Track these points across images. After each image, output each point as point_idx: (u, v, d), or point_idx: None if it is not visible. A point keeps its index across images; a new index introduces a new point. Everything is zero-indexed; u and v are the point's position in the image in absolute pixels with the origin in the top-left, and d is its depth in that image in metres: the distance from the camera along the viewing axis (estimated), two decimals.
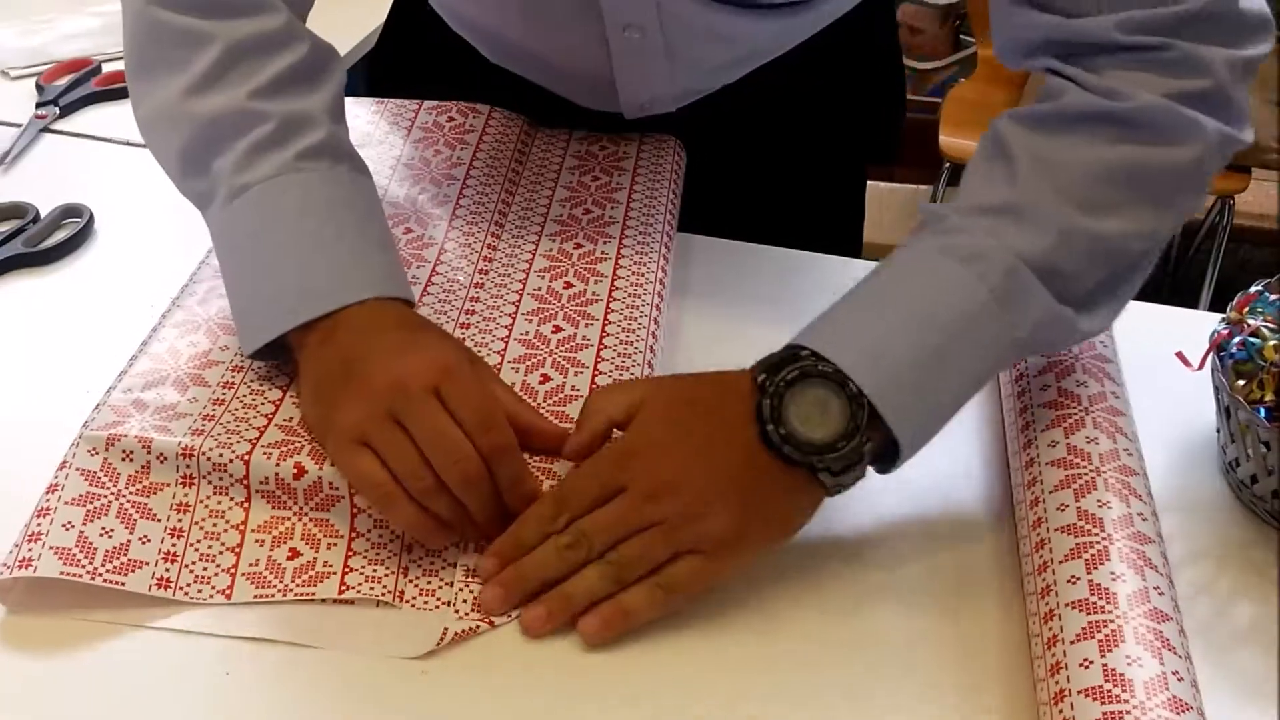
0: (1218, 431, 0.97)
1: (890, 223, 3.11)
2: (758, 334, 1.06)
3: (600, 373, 0.93)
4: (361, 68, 1.60)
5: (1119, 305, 0.91)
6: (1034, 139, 0.88)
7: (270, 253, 0.90)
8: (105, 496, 0.83)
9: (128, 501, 0.83)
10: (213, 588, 0.81)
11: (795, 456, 0.80)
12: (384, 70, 1.41)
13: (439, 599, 0.82)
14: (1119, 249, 0.88)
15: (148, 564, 0.81)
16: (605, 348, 0.95)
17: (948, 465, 0.94)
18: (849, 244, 1.42)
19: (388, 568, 0.83)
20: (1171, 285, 3.05)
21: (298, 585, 0.82)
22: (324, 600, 0.81)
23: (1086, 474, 0.83)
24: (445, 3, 1.26)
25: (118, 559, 0.80)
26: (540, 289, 1.02)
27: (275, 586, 0.81)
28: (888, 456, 0.84)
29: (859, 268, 1.19)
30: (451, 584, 0.82)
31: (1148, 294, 1.10)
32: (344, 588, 0.81)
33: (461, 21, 1.26)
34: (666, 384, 0.88)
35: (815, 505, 0.84)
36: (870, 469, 0.84)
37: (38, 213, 1.17)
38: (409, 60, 1.36)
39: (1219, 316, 0.96)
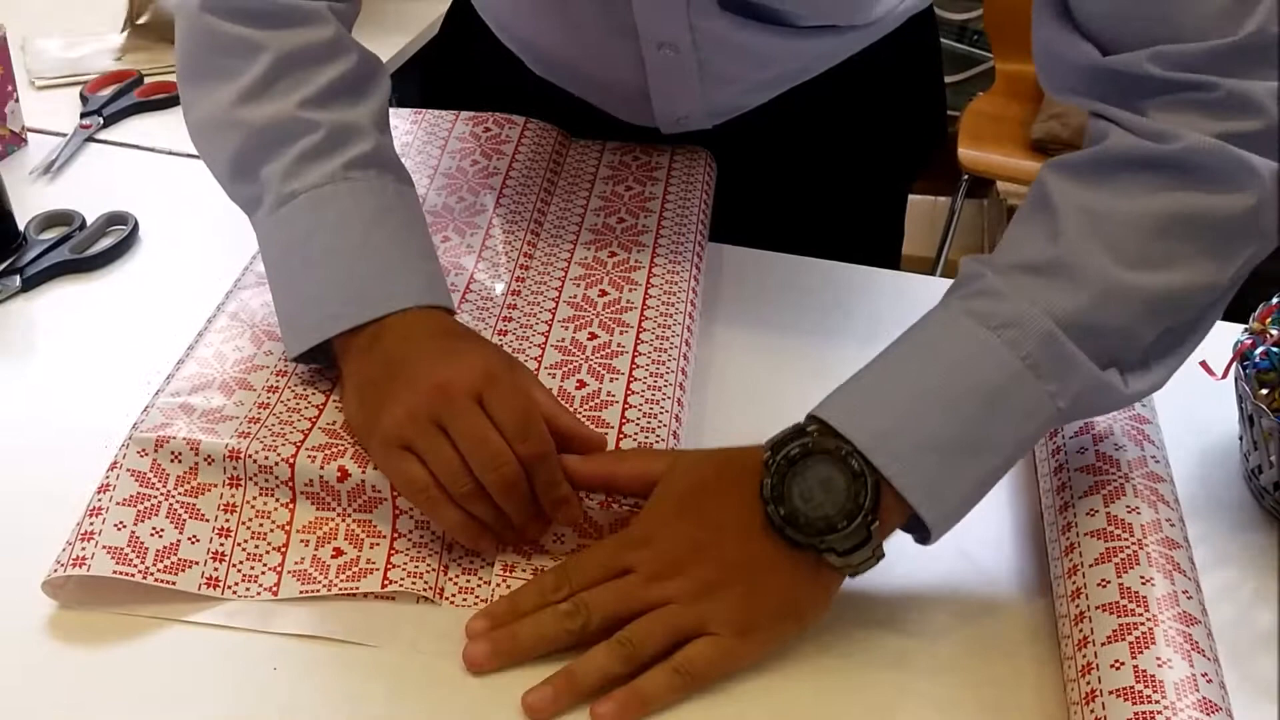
0: (1240, 439, 0.97)
1: (909, 234, 3.12)
2: (788, 341, 1.07)
3: (635, 379, 0.93)
4: (416, 75, 1.60)
5: (1178, 361, 0.84)
6: (1078, 189, 0.82)
7: (317, 259, 0.91)
8: (155, 497, 0.84)
9: (177, 502, 0.84)
10: (260, 585, 0.82)
11: (797, 538, 0.77)
12: (437, 77, 1.42)
13: (477, 597, 0.83)
14: (1178, 304, 0.80)
15: (197, 563, 0.81)
16: (640, 354, 0.95)
17: None
18: (885, 262, 1.36)
19: (429, 565, 0.84)
20: None
21: (342, 580, 0.82)
22: (367, 595, 0.82)
23: (1115, 480, 0.83)
24: (493, 15, 1.27)
25: (168, 558, 0.81)
26: (576, 296, 1.02)
27: (320, 582, 0.82)
28: (920, 527, 0.80)
29: (889, 278, 1.19)
30: (489, 582, 0.83)
31: None
32: (387, 582, 0.82)
33: (507, 34, 1.27)
34: (684, 463, 0.84)
35: (833, 586, 0.80)
36: (911, 537, 0.82)
37: (84, 220, 1.18)
38: (461, 70, 1.36)
39: (1241, 327, 0.96)
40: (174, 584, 0.80)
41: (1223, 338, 0.98)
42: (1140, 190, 0.80)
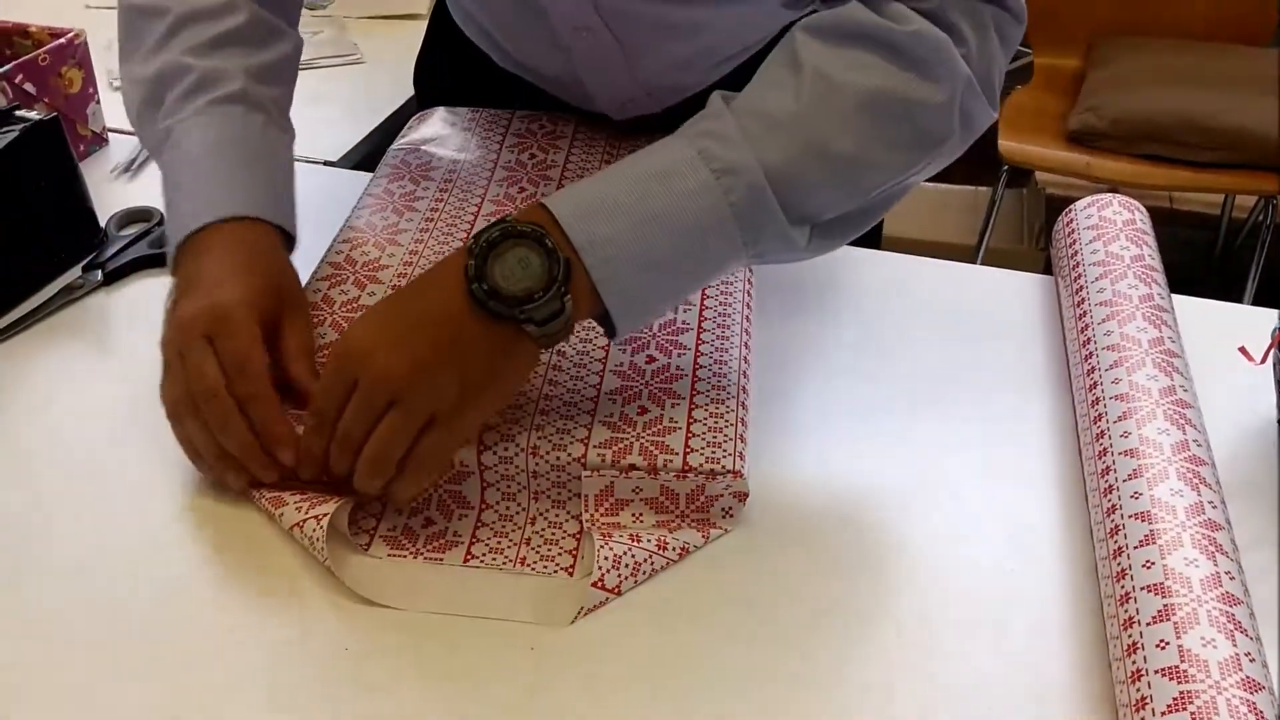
0: (1278, 423, 0.95)
1: (951, 222, 3.10)
2: (832, 330, 1.06)
3: (696, 405, 0.89)
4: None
5: (853, 233, 0.91)
6: (821, 52, 0.85)
7: (175, 183, 0.96)
8: None
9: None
10: (355, 542, 0.85)
11: (500, 310, 0.79)
12: (428, 79, 1.43)
13: (558, 564, 0.84)
14: (864, 181, 0.87)
15: (299, 525, 0.83)
16: (699, 379, 0.92)
17: (1022, 454, 0.94)
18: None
19: (511, 539, 0.85)
20: (1217, 281, 3.01)
21: (428, 550, 0.84)
22: (452, 565, 0.84)
23: (1159, 463, 0.82)
24: (460, 16, 1.28)
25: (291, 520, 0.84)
26: None
27: (408, 549, 0.84)
28: (607, 320, 0.84)
29: (931, 265, 1.17)
30: (572, 551, 0.85)
31: (1193, 289, 1.09)
32: (469, 557, 0.84)
33: (471, 30, 1.28)
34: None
35: (531, 360, 0.84)
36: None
37: (162, 216, 1.18)
38: (447, 71, 1.37)
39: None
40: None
41: (1261, 324, 0.97)
42: (868, 65, 0.85)
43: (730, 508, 0.86)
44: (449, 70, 1.35)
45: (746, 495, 0.85)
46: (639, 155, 0.85)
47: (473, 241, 0.80)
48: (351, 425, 0.81)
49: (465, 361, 0.80)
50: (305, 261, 1.02)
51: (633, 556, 0.82)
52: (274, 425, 0.84)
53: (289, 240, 0.97)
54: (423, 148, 1.19)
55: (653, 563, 0.83)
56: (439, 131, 1.23)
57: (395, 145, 1.22)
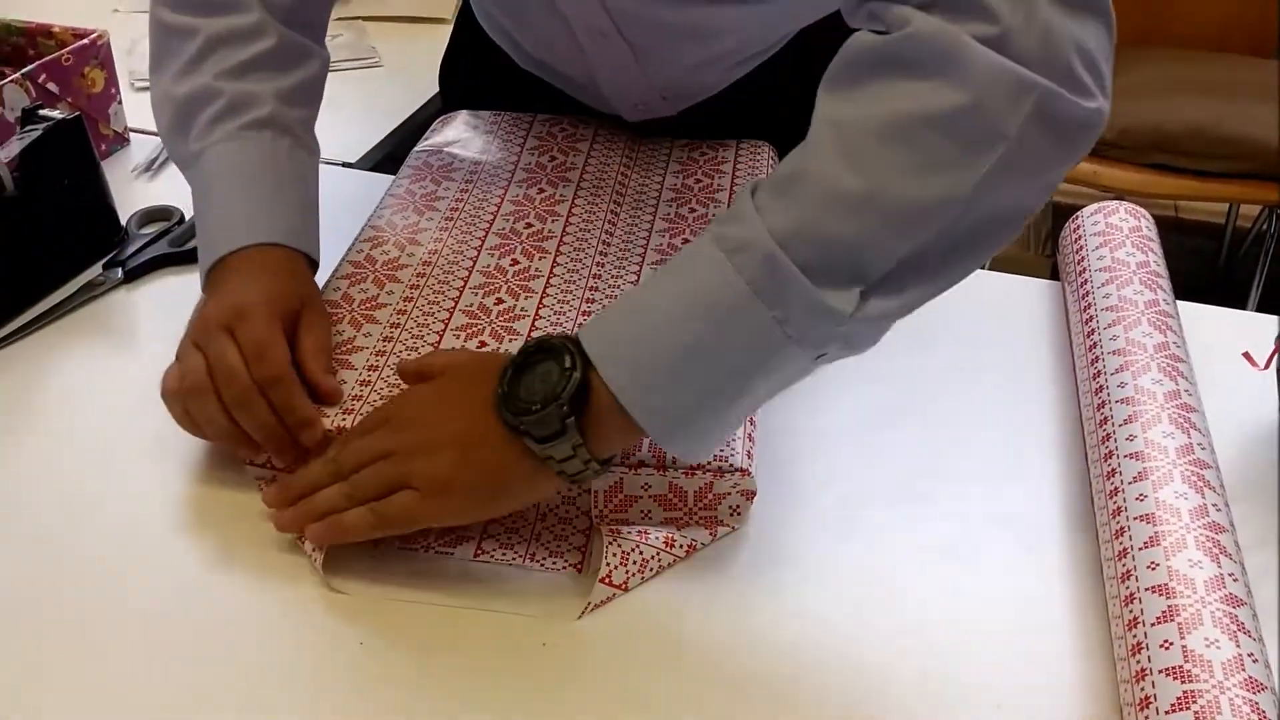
0: None
1: None
2: None
3: None
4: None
5: (932, 289, 0.79)
6: (831, 100, 0.76)
7: (205, 205, 0.98)
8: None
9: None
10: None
11: (505, 416, 0.77)
12: (453, 78, 1.44)
13: (567, 560, 0.84)
14: (911, 216, 0.74)
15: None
16: None
17: (1029, 457, 0.94)
18: None
19: (521, 535, 0.85)
20: (1222, 289, 3.01)
21: (439, 545, 0.85)
22: (462, 559, 0.84)
23: (1163, 467, 0.82)
24: (482, 15, 1.28)
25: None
26: None
27: (419, 543, 0.85)
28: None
29: None
30: (581, 547, 0.85)
31: (1198, 296, 1.09)
32: (480, 552, 0.84)
33: (492, 28, 1.28)
34: (454, 356, 0.90)
35: (535, 483, 0.80)
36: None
37: (182, 215, 1.19)
38: (471, 70, 1.38)
39: None
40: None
41: (1265, 331, 0.97)
42: (875, 94, 0.74)
43: (738, 506, 0.86)
44: (474, 70, 1.36)
45: (754, 494, 0.86)
46: (672, 258, 0.80)
47: (519, 349, 0.80)
48: (350, 453, 0.83)
49: (466, 451, 0.80)
50: (326, 260, 1.02)
51: (640, 553, 0.83)
52: (299, 406, 0.86)
53: (312, 265, 0.99)
54: (445, 149, 1.20)
55: (660, 559, 0.83)
56: (461, 134, 1.23)
57: (418, 147, 1.23)
